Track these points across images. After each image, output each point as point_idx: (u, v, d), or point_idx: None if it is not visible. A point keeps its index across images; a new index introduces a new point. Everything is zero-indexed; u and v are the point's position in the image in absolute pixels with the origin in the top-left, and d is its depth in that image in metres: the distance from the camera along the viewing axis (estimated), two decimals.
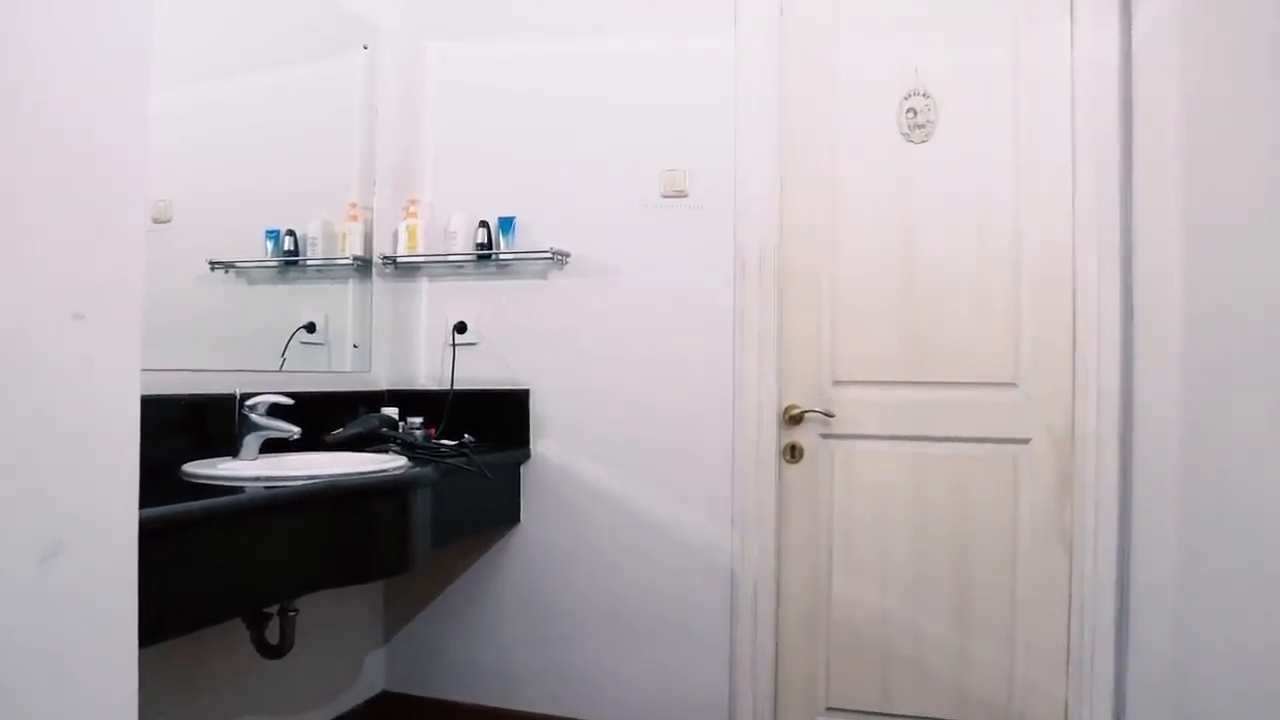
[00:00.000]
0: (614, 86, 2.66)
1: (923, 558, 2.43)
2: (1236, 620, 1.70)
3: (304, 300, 2.62)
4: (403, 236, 2.77)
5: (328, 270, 2.69)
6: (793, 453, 2.52)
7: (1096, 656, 2.26)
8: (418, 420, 2.62)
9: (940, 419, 2.42)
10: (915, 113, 2.43)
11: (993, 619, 2.39)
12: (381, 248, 2.81)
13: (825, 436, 2.51)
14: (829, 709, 2.51)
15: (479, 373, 2.77)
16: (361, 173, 2.77)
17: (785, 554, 2.54)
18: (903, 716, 2.45)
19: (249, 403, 2.08)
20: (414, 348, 2.86)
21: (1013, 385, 2.38)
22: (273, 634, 2.05)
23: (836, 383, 2.51)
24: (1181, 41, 1.98)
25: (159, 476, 1.79)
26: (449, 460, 2.28)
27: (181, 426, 2.05)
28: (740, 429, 2.52)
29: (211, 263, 2.28)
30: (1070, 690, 2.32)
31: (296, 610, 2.06)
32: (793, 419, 2.51)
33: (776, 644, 2.53)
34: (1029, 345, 2.37)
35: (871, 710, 2.48)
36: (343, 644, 2.72)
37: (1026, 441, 2.37)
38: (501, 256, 2.72)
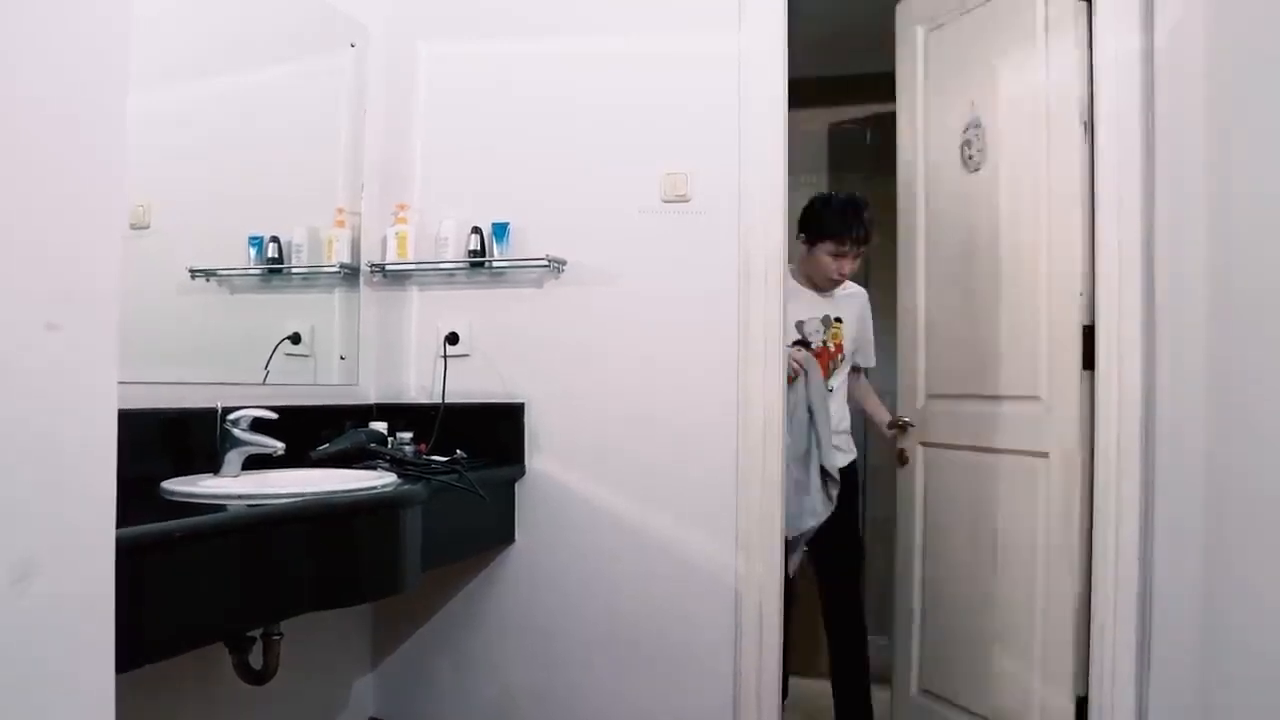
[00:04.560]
0: (612, 87, 2.59)
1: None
2: (1265, 641, 1.66)
3: (288, 310, 2.54)
4: (392, 243, 2.69)
5: (313, 279, 2.59)
6: None
7: (1118, 678, 2.19)
8: (407, 436, 2.53)
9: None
10: None
11: (1011, 638, 2.32)
12: (370, 255, 2.72)
13: None
14: None
15: (472, 386, 2.68)
16: (349, 176, 2.68)
17: None
18: None
19: (231, 417, 2.02)
20: (403, 360, 2.76)
21: (1034, 399, 2.31)
22: (256, 659, 1.97)
23: None
24: (1205, 44, 1.95)
25: (137, 494, 1.72)
26: (440, 477, 2.21)
27: (160, 442, 1.99)
28: (745, 442, 2.44)
29: (192, 271, 2.21)
30: (1091, 714, 2.24)
31: (281, 634, 1.98)
32: None
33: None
34: (1047, 357, 2.29)
35: None
36: (330, 669, 2.64)
37: (1046, 455, 2.29)
38: (495, 264, 2.63)
